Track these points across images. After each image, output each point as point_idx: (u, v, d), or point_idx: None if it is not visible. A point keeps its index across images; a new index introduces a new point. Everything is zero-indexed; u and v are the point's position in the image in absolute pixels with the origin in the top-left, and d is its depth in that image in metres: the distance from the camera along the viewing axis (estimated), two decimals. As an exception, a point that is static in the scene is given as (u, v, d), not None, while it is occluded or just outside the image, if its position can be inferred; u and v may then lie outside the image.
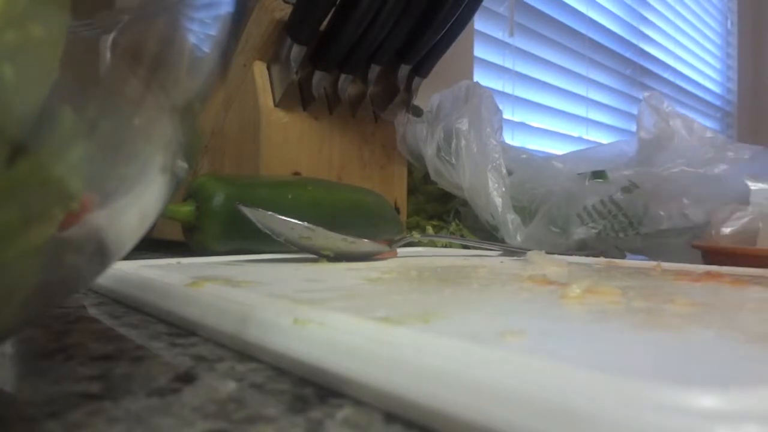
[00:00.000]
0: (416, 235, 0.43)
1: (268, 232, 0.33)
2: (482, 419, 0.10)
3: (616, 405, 0.09)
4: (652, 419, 0.09)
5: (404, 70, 0.61)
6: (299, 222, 0.33)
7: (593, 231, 0.56)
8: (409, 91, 0.64)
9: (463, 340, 0.13)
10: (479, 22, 1.16)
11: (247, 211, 0.33)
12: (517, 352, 0.12)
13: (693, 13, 1.98)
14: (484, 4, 0.62)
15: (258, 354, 0.16)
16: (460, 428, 0.11)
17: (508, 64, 1.26)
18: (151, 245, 0.52)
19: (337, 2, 0.51)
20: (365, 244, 0.35)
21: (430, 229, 0.65)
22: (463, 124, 0.60)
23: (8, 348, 0.17)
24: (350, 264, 0.33)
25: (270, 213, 0.33)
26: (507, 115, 1.18)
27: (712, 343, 0.13)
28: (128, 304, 0.24)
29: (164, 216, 0.42)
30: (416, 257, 0.39)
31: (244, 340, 0.16)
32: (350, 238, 0.34)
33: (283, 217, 0.33)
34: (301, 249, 0.34)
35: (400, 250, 0.41)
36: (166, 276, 0.24)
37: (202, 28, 0.13)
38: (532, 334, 0.14)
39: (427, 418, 0.11)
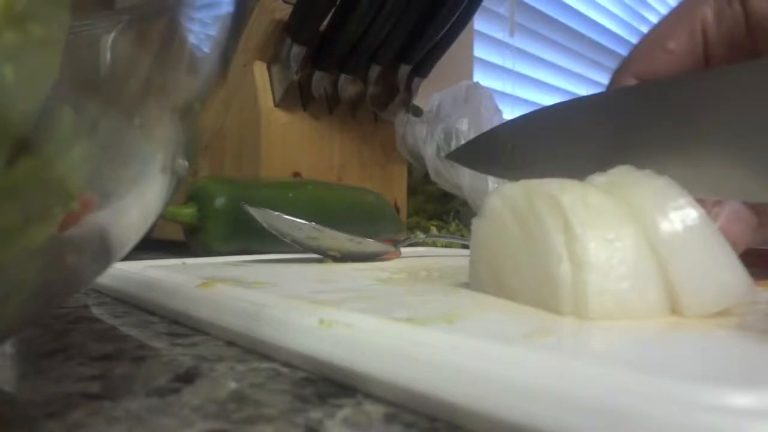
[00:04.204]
0: (421, 235, 0.43)
1: (274, 232, 0.33)
2: (519, 418, 0.10)
3: (646, 404, 0.09)
4: (686, 417, 0.09)
5: (404, 70, 0.61)
6: (306, 222, 0.33)
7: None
8: (409, 91, 0.64)
9: (495, 341, 0.13)
10: (479, 22, 1.16)
11: (254, 212, 0.32)
12: (547, 351, 0.12)
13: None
14: (484, 4, 0.62)
15: (277, 355, 0.16)
16: (498, 428, 0.11)
17: (508, 65, 1.26)
18: (151, 245, 0.52)
19: (337, 2, 0.51)
20: (371, 245, 0.35)
21: (434, 230, 0.65)
22: (463, 124, 0.60)
23: (8, 348, 0.17)
24: (356, 264, 0.33)
25: (277, 213, 0.32)
26: (507, 115, 1.17)
27: (739, 342, 0.13)
28: (137, 306, 0.24)
29: (166, 218, 0.42)
30: (421, 257, 0.39)
31: (262, 340, 0.16)
32: (357, 239, 0.34)
33: (290, 218, 0.32)
34: (308, 249, 0.34)
35: (403, 250, 0.41)
36: (174, 277, 0.24)
37: (202, 28, 0.13)
38: (559, 335, 0.14)
39: (464, 418, 0.11)
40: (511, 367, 0.11)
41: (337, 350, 0.14)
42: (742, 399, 0.09)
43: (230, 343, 0.18)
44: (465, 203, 0.62)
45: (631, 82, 0.27)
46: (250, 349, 0.17)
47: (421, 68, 0.62)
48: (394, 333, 0.14)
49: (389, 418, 0.12)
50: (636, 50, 0.27)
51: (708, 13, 0.25)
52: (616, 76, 0.27)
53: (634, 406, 0.09)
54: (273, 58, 0.55)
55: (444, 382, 0.12)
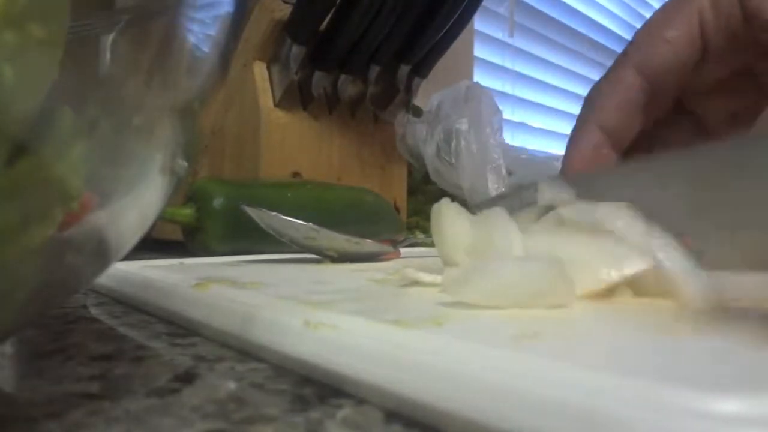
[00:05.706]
0: (420, 236, 0.43)
1: (272, 232, 0.33)
2: (503, 422, 0.10)
3: (632, 409, 0.09)
4: (671, 424, 0.09)
5: (404, 70, 0.61)
6: (304, 222, 0.33)
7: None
8: (409, 92, 0.64)
9: (480, 343, 0.13)
10: (479, 22, 1.16)
11: (252, 212, 0.32)
12: (534, 354, 0.12)
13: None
14: (483, 4, 0.62)
15: (267, 356, 0.16)
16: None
17: (508, 64, 1.26)
18: (150, 245, 0.52)
19: (337, 2, 0.51)
20: (369, 245, 0.35)
21: (434, 230, 0.64)
22: (463, 125, 0.60)
23: (8, 348, 0.17)
24: (354, 265, 0.33)
25: (274, 213, 0.32)
26: (507, 115, 1.17)
27: (728, 347, 0.13)
28: (134, 306, 0.24)
29: (165, 219, 0.42)
30: (419, 258, 0.39)
31: (252, 341, 0.16)
32: (355, 239, 0.34)
33: (288, 218, 0.32)
34: (305, 249, 0.34)
35: (402, 251, 0.41)
36: (171, 277, 0.24)
37: (202, 28, 0.13)
38: (547, 337, 0.14)
39: (448, 422, 0.11)
40: (496, 371, 0.11)
41: (323, 352, 0.14)
42: (728, 405, 0.09)
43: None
44: (465, 203, 0.62)
45: (631, 74, 0.27)
46: (243, 350, 0.17)
47: (421, 68, 0.62)
48: (380, 335, 0.14)
49: (389, 419, 0.12)
50: (635, 41, 0.28)
51: (705, 2, 0.26)
52: (617, 67, 0.28)
53: (618, 410, 0.09)
54: (273, 58, 0.55)
55: (427, 385, 0.12)
